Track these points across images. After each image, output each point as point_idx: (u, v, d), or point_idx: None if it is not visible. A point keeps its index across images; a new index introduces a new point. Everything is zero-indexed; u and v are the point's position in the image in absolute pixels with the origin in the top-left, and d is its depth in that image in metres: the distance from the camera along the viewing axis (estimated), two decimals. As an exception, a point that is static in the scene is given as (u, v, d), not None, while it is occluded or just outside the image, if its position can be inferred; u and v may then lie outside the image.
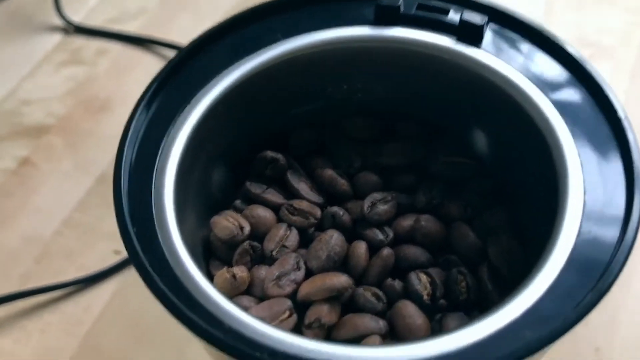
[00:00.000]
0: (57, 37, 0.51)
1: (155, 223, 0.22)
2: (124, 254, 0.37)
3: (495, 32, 0.26)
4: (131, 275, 0.37)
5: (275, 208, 0.26)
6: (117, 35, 0.50)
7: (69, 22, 0.51)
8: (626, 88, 0.45)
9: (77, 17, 0.52)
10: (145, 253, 0.21)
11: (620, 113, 0.22)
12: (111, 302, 0.36)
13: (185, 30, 0.51)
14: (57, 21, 0.52)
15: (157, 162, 0.23)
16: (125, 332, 0.35)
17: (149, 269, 0.20)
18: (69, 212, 0.40)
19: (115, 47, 0.50)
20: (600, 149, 0.22)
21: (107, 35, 0.50)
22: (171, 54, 0.48)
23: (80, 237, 0.39)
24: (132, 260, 0.20)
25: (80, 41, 0.51)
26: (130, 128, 0.24)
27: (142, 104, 0.24)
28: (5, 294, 0.35)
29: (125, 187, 0.22)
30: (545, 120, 0.23)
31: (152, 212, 0.22)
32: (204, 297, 0.21)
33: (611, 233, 0.20)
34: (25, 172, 0.43)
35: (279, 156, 0.27)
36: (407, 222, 0.26)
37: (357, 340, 0.22)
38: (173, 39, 0.49)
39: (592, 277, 0.19)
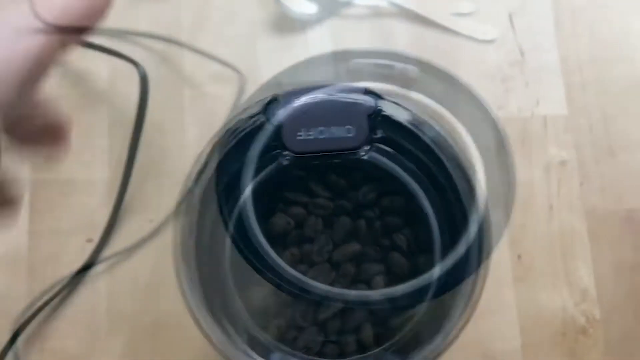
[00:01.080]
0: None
1: (254, 231, 0.37)
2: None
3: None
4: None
5: (305, 205, 0.42)
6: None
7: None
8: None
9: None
10: (247, 249, 0.37)
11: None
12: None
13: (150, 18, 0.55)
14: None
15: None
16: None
17: (253, 260, 0.36)
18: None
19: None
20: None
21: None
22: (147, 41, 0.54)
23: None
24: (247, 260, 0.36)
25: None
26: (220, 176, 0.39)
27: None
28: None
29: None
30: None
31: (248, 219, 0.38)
32: (281, 268, 0.37)
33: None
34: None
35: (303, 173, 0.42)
36: (385, 201, 0.42)
37: (369, 279, 0.39)
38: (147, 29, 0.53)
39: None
